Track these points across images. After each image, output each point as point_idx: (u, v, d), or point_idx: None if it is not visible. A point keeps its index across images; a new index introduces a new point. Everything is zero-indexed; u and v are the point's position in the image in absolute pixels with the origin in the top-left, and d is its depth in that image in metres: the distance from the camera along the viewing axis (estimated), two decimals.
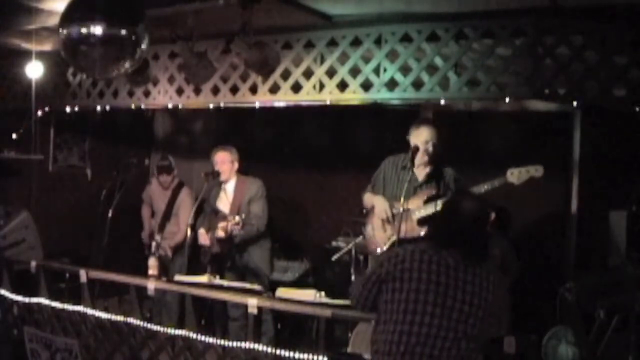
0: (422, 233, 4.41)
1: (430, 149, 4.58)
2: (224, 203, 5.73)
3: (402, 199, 4.39)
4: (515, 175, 4.26)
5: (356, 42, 4.61)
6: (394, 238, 4.43)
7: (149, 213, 6.46)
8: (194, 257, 6.05)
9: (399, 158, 4.78)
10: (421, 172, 4.66)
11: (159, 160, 6.49)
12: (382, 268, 2.92)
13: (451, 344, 2.73)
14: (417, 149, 4.55)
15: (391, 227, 4.58)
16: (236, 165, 5.71)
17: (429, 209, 4.41)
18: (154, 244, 5.76)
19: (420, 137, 4.62)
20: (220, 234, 5.44)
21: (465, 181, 4.64)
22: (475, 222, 2.96)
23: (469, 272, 2.82)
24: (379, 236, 4.67)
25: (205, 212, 5.85)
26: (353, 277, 5.97)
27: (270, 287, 4.93)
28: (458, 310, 2.75)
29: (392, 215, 4.58)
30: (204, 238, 5.63)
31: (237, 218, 5.27)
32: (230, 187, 5.72)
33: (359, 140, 7.27)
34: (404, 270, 2.82)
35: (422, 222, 4.44)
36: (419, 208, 4.47)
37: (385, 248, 4.61)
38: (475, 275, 2.83)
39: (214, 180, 5.68)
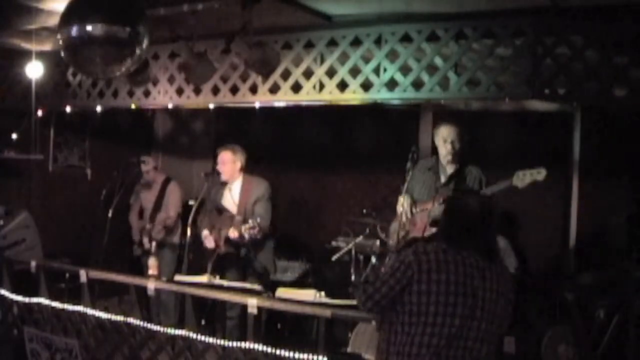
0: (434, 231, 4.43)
1: (449, 147, 4.60)
2: (229, 203, 5.70)
3: (425, 200, 4.45)
4: (519, 179, 4.29)
5: (356, 42, 4.61)
6: (402, 234, 4.49)
7: (136, 217, 6.54)
8: (195, 257, 6.07)
9: (428, 160, 4.83)
10: (445, 172, 4.68)
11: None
12: (407, 269, 2.80)
13: (473, 344, 2.74)
14: (416, 149, 4.57)
15: (409, 225, 4.63)
16: (239, 164, 5.66)
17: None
18: (150, 241, 5.79)
19: (440, 135, 4.65)
20: (233, 235, 5.40)
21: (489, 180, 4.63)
22: (486, 220, 2.93)
23: (489, 271, 2.81)
24: (397, 234, 4.73)
25: (206, 210, 5.80)
26: (353, 277, 5.97)
27: (271, 287, 4.93)
28: (480, 309, 2.75)
29: (411, 213, 4.63)
30: (208, 240, 5.58)
31: (251, 222, 5.22)
32: (236, 187, 5.69)
33: (359, 140, 7.27)
34: (431, 271, 2.76)
35: (433, 223, 4.45)
36: (435, 209, 4.47)
37: (391, 243, 4.66)
38: (495, 274, 2.82)
39: (214, 180, 5.68)
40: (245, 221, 5.45)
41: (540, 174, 4.27)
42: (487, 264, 2.82)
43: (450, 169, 4.71)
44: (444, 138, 4.65)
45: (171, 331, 4.31)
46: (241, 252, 5.57)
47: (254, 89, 5.02)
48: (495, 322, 2.79)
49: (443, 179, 4.68)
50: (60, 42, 3.59)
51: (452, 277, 2.74)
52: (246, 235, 5.27)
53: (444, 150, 4.73)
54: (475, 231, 2.88)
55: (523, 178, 4.29)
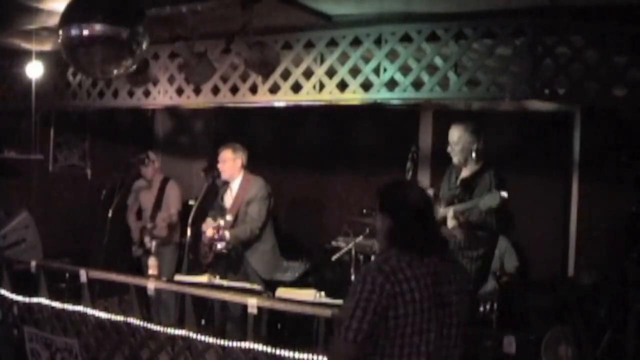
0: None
1: (449, 149, 4.57)
2: (228, 201, 5.73)
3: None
4: (483, 201, 4.18)
5: (356, 42, 4.60)
6: None
7: (134, 217, 6.57)
8: (195, 257, 6.07)
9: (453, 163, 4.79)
10: (461, 176, 4.65)
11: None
12: (381, 296, 2.56)
13: (447, 351, 2.69)
14: (416, 149, 4.55)
15: None
16: (239, 162, 5.66)
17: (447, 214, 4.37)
18: (151, 240, 5.80)
19: (449, 138, 4.60)
20: (209, 233, 5.48)
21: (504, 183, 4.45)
22: (431, 211, 2.84)
23: (452, 273, 2.74)
24: None
25: (215, 209, 5.82)
26: (353, 277, 5.97)
27: (270, 287, 4.92)
28: (450, 316, 2.69)
29: None
30: (209, 223, 5.55)
31: (220, 222, 5.35)
32: (235, 185, 5.70)
33: (359, 140, 7.27)
34: (404, 293, 2.57)
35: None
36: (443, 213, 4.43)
37: None
38: (457, 273, 2.77)
39: (212, 177, 5.68)
40: (235, 220, 5.46)
41: (494, 200, 4.12)
42: (449, 266, 2.73)
43: (464, 172, 4.64)
44: (449, 141, 4.61)
45: (171, 331, 4.31)
46: (231, 253, 5.58)
47: (254, 89, 5.02)
48: (462, 322, 2.74)
49: (458, 183, 4.63)
50: (60, 42, 3.59)
51: (425, 293, 2.60)
52: (209, 235, 5.41)
53: (450, 153, 4.67)
54: (429, 230, 2.74)
55: (485, 201, 4.17)
